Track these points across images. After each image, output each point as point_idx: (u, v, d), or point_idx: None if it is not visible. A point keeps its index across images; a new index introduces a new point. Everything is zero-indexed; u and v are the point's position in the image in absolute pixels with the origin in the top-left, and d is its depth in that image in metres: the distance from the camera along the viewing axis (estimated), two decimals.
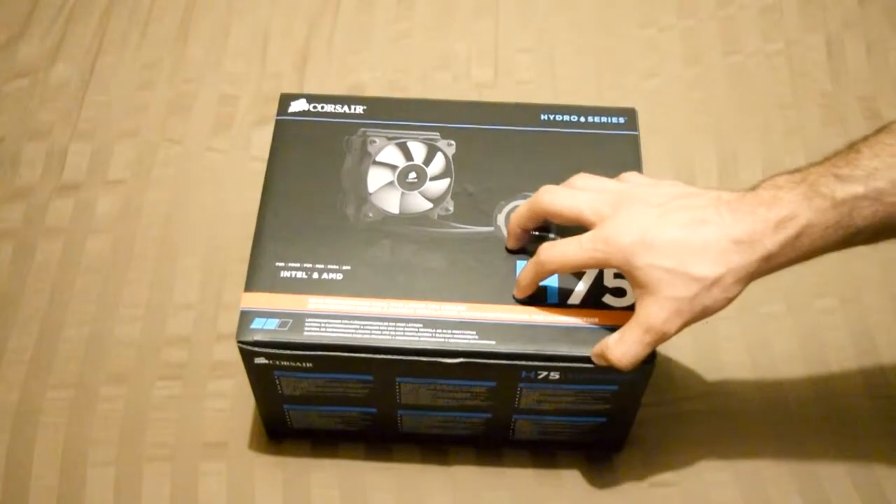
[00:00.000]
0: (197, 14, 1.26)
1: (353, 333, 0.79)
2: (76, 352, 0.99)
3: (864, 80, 1.19)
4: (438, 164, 0.89)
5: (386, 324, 0.80)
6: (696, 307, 0.73)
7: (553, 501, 0.91)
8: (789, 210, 0.72)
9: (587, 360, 0.78)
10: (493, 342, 0.79)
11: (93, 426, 0.95)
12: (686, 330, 0.75)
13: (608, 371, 0.78)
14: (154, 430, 0.95)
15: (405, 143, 0.90)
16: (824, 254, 0.74)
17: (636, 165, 0.88)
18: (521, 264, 0.82)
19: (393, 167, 0.88)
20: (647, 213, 0.75)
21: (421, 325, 0.80)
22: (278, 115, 0.92)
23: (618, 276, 0.82)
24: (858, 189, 0.72)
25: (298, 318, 0.80)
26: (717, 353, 0.99)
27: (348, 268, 0.83)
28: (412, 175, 0.88)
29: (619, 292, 0.81)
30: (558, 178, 0.83)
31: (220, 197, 1.10)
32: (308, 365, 0.81)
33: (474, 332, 0.79)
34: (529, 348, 0.79)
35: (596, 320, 0.80)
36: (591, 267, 0.78)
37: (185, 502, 0.91)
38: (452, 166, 0.89)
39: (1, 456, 0.93)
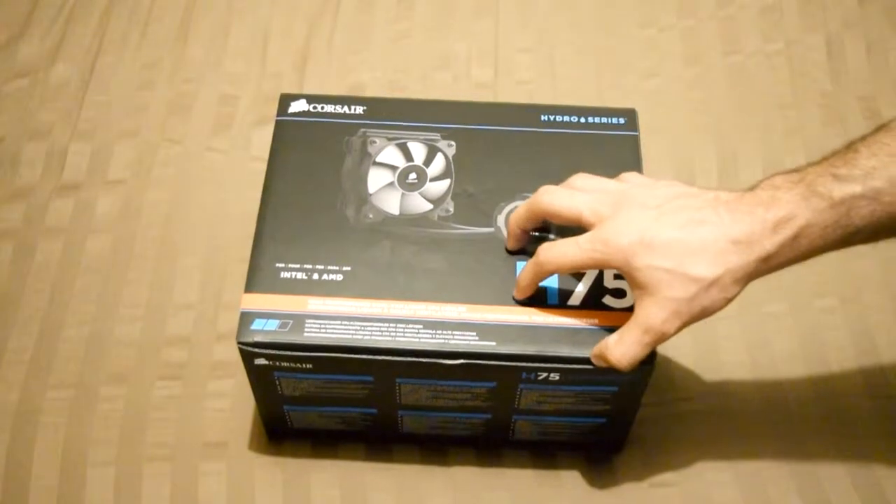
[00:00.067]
0: (197, 14, 1.26)
1: (353, 334, 0.79)
2: (76, 352, 0.99)
3: (864, 80, 1.19)
4: (439, 164, 0.89)
5: (386, 325, 0.80)
6: (695, 307, 0.73)
7: (553, 502, 0.91)
8: (787, 210, 0.72)
9: (587, 361, 0.78)
10: (494, 343, 0.79)
11: (93, 426, 0.95)
12: (686, 330, 0.75)
13: (608, 372, 0.78)
14: (154, 430, 0.95)
15: (405, 143, 0.90)
16: (823, 253, 0.74)
17: (636, 166, 0.88)
18: (521, 265, 0.82)
19: (393, 168, 0.88)
20: (646, 213, 0.75)
21: (421, 326, 0.80)
22: (278, 115, 0.92)
23: (618, 277, 0.82)
24: (856, 189, 0.72)
25: (298, 319, 0.80)
26: (717, 353, 0.99)
27: (348, 269, 0.83)
28: (412, 176, 0.88)
29: (619, 293, 0.81)
30: (559, 179, 0.83)
31: (220, 197, 1.10)
32: (308, 366, 0.81)
33: (474, 333, 0.79)
34: (529, 349, 0.79)
35: (596, 321, 0.80)
36: (590, 268, 0.78)
37: (185, 502, 0.91)
38: (453, 167, 0.89)
39: (1, 456, 0.93)
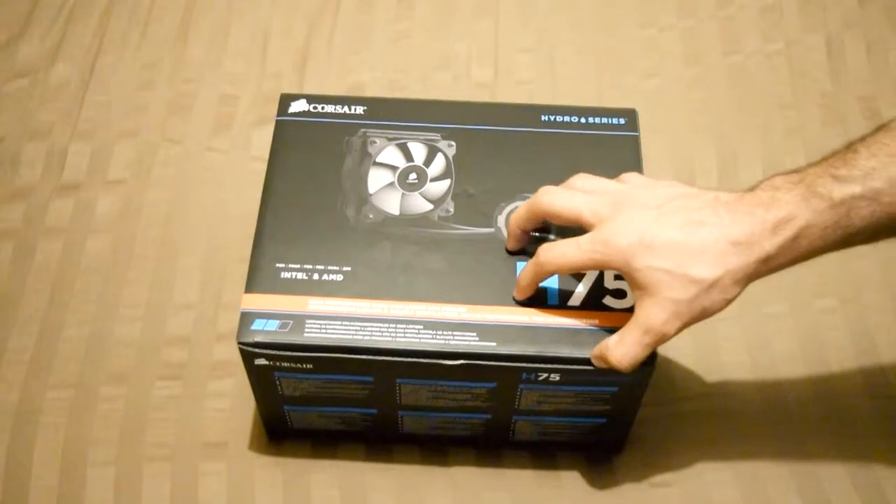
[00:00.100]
0: (197, 14, 1.26)
1: (353, 335, 0.79)
2: (76, 352, 0.99)
3: (864, 80, 1.19)
4: (439, 165, 0.89)
5: (386, 325, 0.80)
6: (695, 308, 0.73)
7: (553, 502, 0.91)
8: (787, 211, 0.72)
9: (587, 361, 0.78)
10: (494, 344, 0.79)
11: (93, 426, 0.95)
12: (686, 330, 0.75)
13: (608, 373, 0.78)
14: (154, 430, 0.95)
15: (405, 143, 0.90)
16: (823, 254, 0.74)
17: (636, 166, 0.88)
18: (522, 265, 0.82)
19: (393, 168, 0.88)
20: (646, 214, 0.75)
21: (421, 327, 0.80)
22: (278, 115, 0.92)
23: (618, 277, 0.82)
24: (856, 189, 0.72)
25: (299, 320, 0.80)
26: (717, 354, 0.99)
27: (349, 269, 0.83)
28: (412, 176, 0.88)
29: (620, 294, 0.81)
30: (559, 179, 0.83)
31: (220, 197, 1.10)
32: (308, 366, 0.81)
33: (475, 334, 0.79)
34: (530, 350, 0.79)
35: (596, 322, 0.80)
36: (589, 268, 0.78)
37: (185, 502, 0.91)
38: (453, 167, 0.89)
39: (1, 456, 0.93)
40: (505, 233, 0.85)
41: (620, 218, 0.75)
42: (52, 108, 1.17)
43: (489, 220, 0.85)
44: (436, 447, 0.93)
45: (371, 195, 0.87)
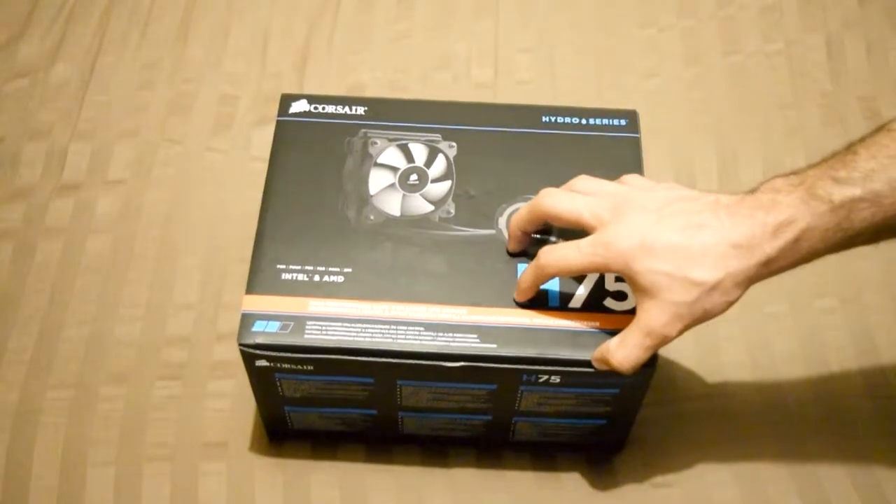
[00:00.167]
0: (197, 14, 1.26)
1: (354, 336, 0.79)
2: (76, 352, 0.99)
3: (864, 80, 1.19)
4: (440, 166, 0.89)
5: (387, 327, 0.80)
6: (697, 311, 0.73)
7: (553, 503, 0.91)
8: (788, 214, 0.72)
9: (588, 363, 0.78)
10: (495, 346, 0.79)
11: (93, 426, 0.95)
12: (686, 331, 0.76)
13: (609, 375, 0.78)
14: (154, 430, 0.95)
15: (406, 144, 0.90)
16: (825, 255, 0.74)
17: (637, 168, 0.88)
18: (523, 267, 0.82)
19: (394, 169, 0.88)
20: (646, 217, 0.75)
21: (422, 329, 0.80)
22: (279, 115, 0.92)
23: (619, 279, 0.82)
24: (856, 192, 0.72)
25: (299, 321, 0.80)
26: (718, 354, 0.99)
27: (349, 270, 0.83)
28: (413, 177, 0.88)
29: (620, 296, 0.81)
30: (560, 181, 0.83)
31: (220, 197, 1.10)
32: (309, 367, 0.81)
33: (475, 336, 0.79)
34: (530, 352, 0.79)
35: (597, 324, 0.80)
36: (590, 271, 0.78)
37: (185, 502, 0.91)
38: (454, 168, 0.88)
39: (1, 456, 0.93)
40: (506, 234, 0.85)
41: (621, 221, 0.75)
42: (52, 108, 1.17)
43: (490, 222, 0.85)
44: (436, 448, 0.93)
45: (372, 196, 0.87)
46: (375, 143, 0.90)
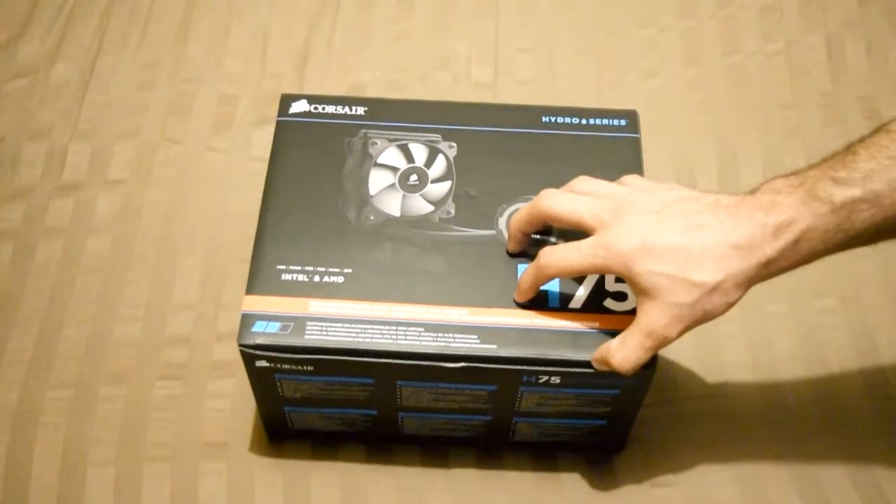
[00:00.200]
0: (197, 14, 1.25)
1: (354, 337, 0.79)
2: (76, 352, 0.99)
3: (864, 80, 1.19)
4: (440, 166, 0.89)
5: (387, 327, 0.80)
6: (697, 312, 0.73)
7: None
8: (788, 215, 0.72)
9: (588, 364, 0.78)
10: (495, 346, 0.79)
11: (93, 426, 0.95)
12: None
13: (609, 375, 0.78)
14: (154, 430, 0.95)
15: (406, 144, 0.90)
16: (825, 256, 0.74)
17: (637, 168, 0.88)
18: (523, 268, 0.82)
19: (394, 169, 0.88)
20: (646, 218, 0.75)
21: (422, 329, 0.80)
22: (279, 115, 0.92)
23: (619, 280, 0.82)
24: (856, 192, 0.72)
25: (300, 322, 0.80)
26: (718, 353, 0.99)
27: (350, 271, 0.83)
28: (413, 177, 0.88)
29: (621, 296, 0.81)
30: (560, 181, 0.83)
31: (220, 197, 1.10)
32: (309, 368, 0.81)
33: (476, 336, 0.79)
34: (531, 353, 0.79)
35: (597, 324, 0.80)
36: (590, 273, 0.78)
37: (185, 502, 0.91)
38: (454, 169, 0.88)
39: (1, 456, 0.93)
40: (506, 235, 0.85)
41: (621, 222, 0.75)
42: (52, 108, 1.17)
43: (490, 222, 0.85)
44: (436, 448, 0.93)
45: (372, 196, 0.87)
46: (375, 143, 0.90)
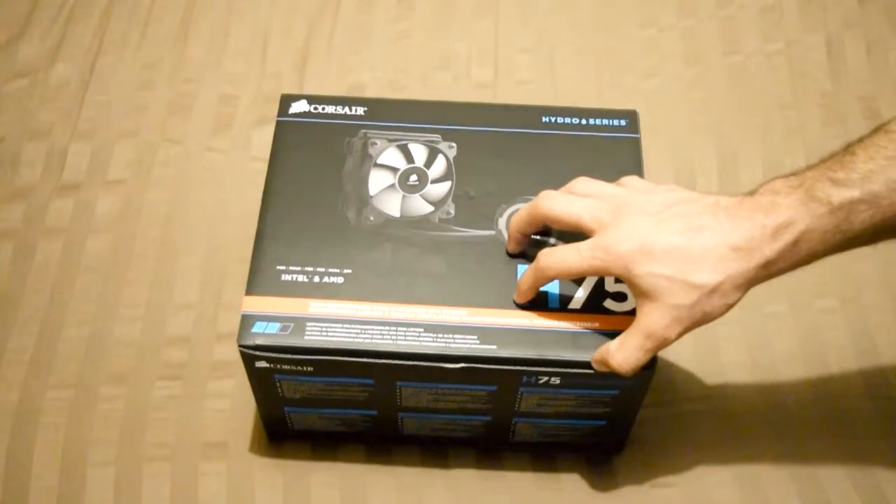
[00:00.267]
0: (197, 14, 1.25)
1: (354, 338, 0.79)
2: (76, 352, 0.99)
3: (864, 80, 1.19)
4: (439, 166, 0.89)
5: (387, 328, 0.80)
6: (696, 314, 0.73)
7: None
8: (787, 216, 0.72)
9: (588, 365, 0.78)
10: (494, 347, 0.79)
11: (93, 426, 0.95)
12: None
13: (609, 376, 0.78)
14: (154, 430, 0.95)
15: (406, 145, 0.90)
16: (824, 257, 0.74)
17: (637, 169, 0.88)
18: (523, 268, 0.82)
19: (394, 170, 0.88)
20: (645, 220, 0.75)
21: (422, 330, 0.80)
22: (279, 116, 0.92)
23: (619, 280, 0.82)
24: (854, 193, 0.72)
25: (299, 322, 0.80)
26: (718, 354, 0.99)
27: (349, 271, 0.83)
28: (413, 178, 0.88)
29: (620, 297, 0.81)
30: (560, 181, 0.83)
31: (220, 197, 1.10)
32: (309, 369, 0.81)
33: (475, 337, 0.79)
34: (530, 353, 0.79)
35: (597, 325, 0.80)
36: (590, 274, 0.78)
37: (185, 502, 0.91)
38: (453, 169, 0.88)
39: (1, 456, 0.93)
40: (506, 235, 0.85)
41: (621, 224, 0.75)
42: (52, 108, 1.17)
43: (490, 223, 0.85)
44: (436, 449, 0.93)
45: (372, 197, 0.87)
46: (375, 143, 0.90)
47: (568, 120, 0.91)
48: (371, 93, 1.18)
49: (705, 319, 0.74)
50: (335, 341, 0.79)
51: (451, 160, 0.89)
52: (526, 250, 0.83)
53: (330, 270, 0.83)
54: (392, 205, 0.86)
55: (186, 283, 1.04)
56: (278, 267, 0.83)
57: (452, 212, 0.86)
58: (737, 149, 1.14)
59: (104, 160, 1.12)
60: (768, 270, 0.73)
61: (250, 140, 1.14)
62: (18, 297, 1.03)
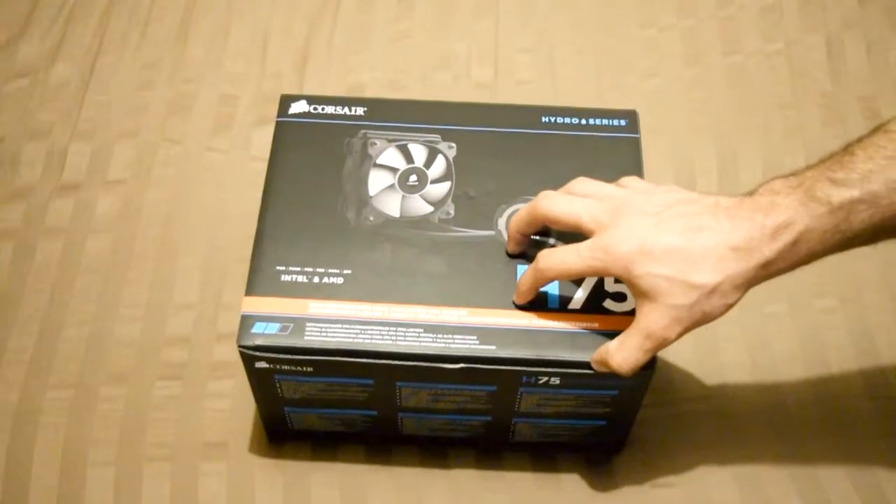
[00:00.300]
0: (197, 14, 1.25)
1: (353, 338, 0.79)
2: (76, 352, 0.99)
3: (864, 80, 1.19)
4: (439, 166, 0.89)
5: (387, 328, 0.80)
6: (696, 314, 0.73)
7: None
8: (786, 216, 0.72)
9: (587, 365, 0.78)
10: (494, 347, 0.79)
11: (93, 426, 0.95)
12: None
13: (609, 376, 0.78)
14: (154, 430, 0.95)
15: (406, 145, 0.90)
16: (824, 257, 0.74)
17: (637, 169, 0.88)
18: (522, 268, 0.82)
19: (394, 170, 0.88)
20: (645, 221, 0.75)
21: (422, 330, 0.80)
22: (279, 116, 0.92)
23: (618, 280, 0.81)
24: (854, 193, 0.72)
25: (299, 323, 0.80)
26: (717, 354, 0.99)
27: (349, 272, 0.83)
28: (413, 178, 0.88)
29: (620, 297, 0.81)
30: (559, 181, 0.83)
31: (220, 197, 1.10)
32: (309, 369, 0.81)
33: (475, 337, 0.79)
34: (530, 354, 0.79)
35: (596, 325, 0.80)
36: (589, 275, 0.78)
37: (185, 502, 0.91)
38: (453, 169, 0.88)
39: (1, 456, 0.93)
40: (505, 235, 0.85)
41: (620, 225, 0.75)
42: (52, 108, 1.17)
43: (490, 223, 0.85)
44: (436, 449, 0.93)
45: (371, 197, 0.87)
46: (375, 143, 0.90)
47: (568, 120, 0.91)
48: (371, 93, 1.18)
49: (705, 320, 0.74)
50: (335, 342, 0.79)
51: (451, 160, 0.89)
52: (526, 251, 0.83)
53: (329, 271, 0.83)
54: (392, 205, 0.86)
55: (186, 283, 1.04)
56: (278, 267, 0.83)
57: (452, 212, 0.86)
58: (737, 149, 1.14)
59: (104, 160, 1.12)
60: (768, 270, 0.73)
61: (250, 140, 1.14)
62: (18, 297, 1.03)
